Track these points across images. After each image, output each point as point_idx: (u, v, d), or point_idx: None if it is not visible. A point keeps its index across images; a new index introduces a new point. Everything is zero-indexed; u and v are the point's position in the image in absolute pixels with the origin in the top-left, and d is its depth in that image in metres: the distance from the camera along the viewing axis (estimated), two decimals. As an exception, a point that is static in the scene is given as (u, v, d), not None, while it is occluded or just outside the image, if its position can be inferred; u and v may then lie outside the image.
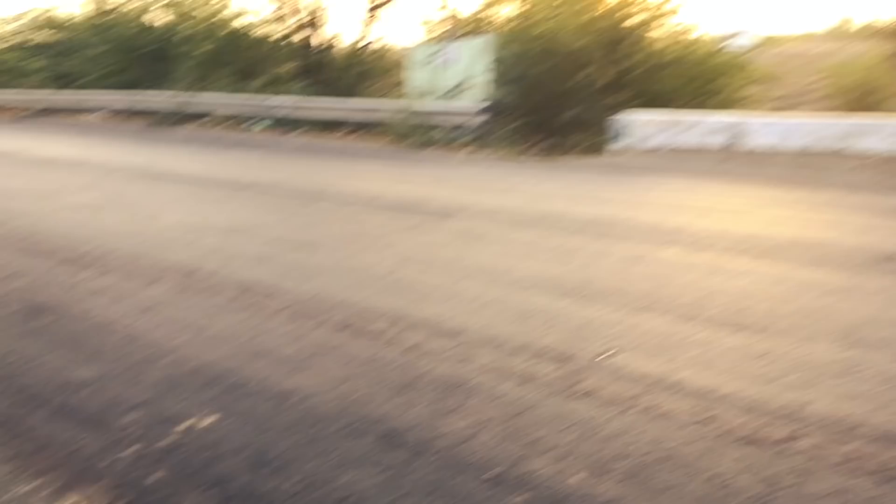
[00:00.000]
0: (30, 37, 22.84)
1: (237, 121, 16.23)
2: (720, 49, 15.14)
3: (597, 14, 14.30)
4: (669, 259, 5.22)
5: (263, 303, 4.29)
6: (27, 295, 4.47)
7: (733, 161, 10.07)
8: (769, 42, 26.12)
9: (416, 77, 14.86)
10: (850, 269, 4.90)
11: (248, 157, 12.00)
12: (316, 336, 3.79)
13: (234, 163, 11.38)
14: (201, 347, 3.65)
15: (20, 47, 22.86)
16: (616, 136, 11.59)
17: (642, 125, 11.43)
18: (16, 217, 6.75)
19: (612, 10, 14.53)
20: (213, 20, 19.57)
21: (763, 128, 10.68)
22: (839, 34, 63.73)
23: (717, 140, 10.89)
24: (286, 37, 18.83)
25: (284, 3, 18.23)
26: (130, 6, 19.91)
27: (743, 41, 19.79)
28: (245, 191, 8.47)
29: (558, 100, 13.24)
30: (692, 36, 14.83)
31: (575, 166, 10.68)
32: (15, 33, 23.16)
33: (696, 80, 13.88)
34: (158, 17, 20.08)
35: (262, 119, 15.99)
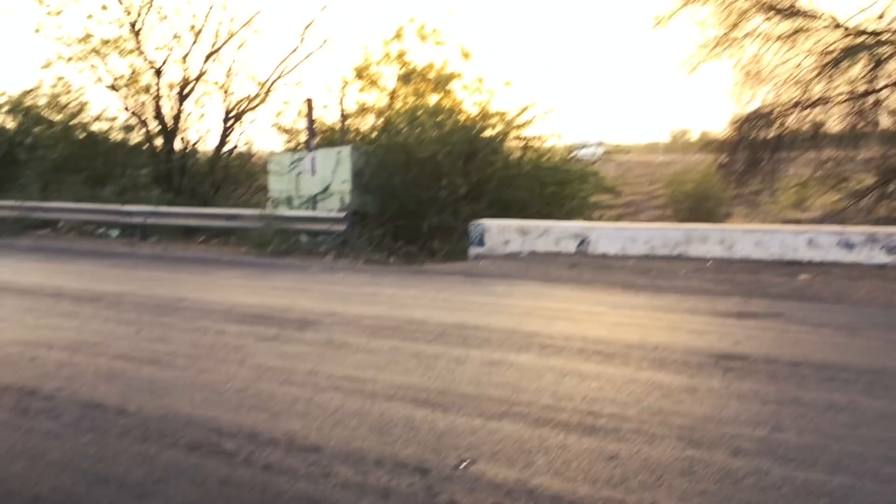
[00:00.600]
0: None
1: (90, 228, 15.60)
2: (571, 159, 16.18)
3: (455, 126, 15.01)
4: (525, 364, 5.40)
5: (110, 423, 4.08)
6: None
7: (583, 266, 10.63)
8: (616, 151, 28.06)
9: (279, 184, 14.93)
10: (689, 370, 5.23)
11: (100, 267, 11.52)
12: (166, 457, 3.63)
13: (83, 273, 10.87)
14: (39, 476, 3.42)
15: None
16: (475, 243, 12.01)
17: (499, 232, 11.92)
18: None
19: (470, 122, 15.31)
20: (69, 123, 19.03)
21: (609, 235, 11.38)
22: (678, 145, 69.47)
23: (568, 246, 11.49)
24: (146, 141, 18.50)
25: (145, 107, 17.98)
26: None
27: (592, 151, 21.26)
28: (95, 302, 8.10)
29: (419, 208, 13.63)
30: (545, 146, 15.79)
31: (436, 273, 10.92)
32: None
33: (549, 187, 14.70)
34: (7, 120, 19.30)
35: (117, 227, 15.46)
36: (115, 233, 15.38)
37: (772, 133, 15.25)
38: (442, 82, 18.77)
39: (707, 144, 18.02)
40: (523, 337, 6.25)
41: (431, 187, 13.66)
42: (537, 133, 15.29)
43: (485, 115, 15.75)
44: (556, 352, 5.75)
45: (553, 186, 14.80)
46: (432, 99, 17.76)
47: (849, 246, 9.98)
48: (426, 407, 4.40)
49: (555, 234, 11.65)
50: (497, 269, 10.89)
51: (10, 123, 19.24)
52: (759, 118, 15.15)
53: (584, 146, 18.03)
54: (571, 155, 16.51)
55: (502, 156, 15.18)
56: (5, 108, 19.09)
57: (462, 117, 15.62)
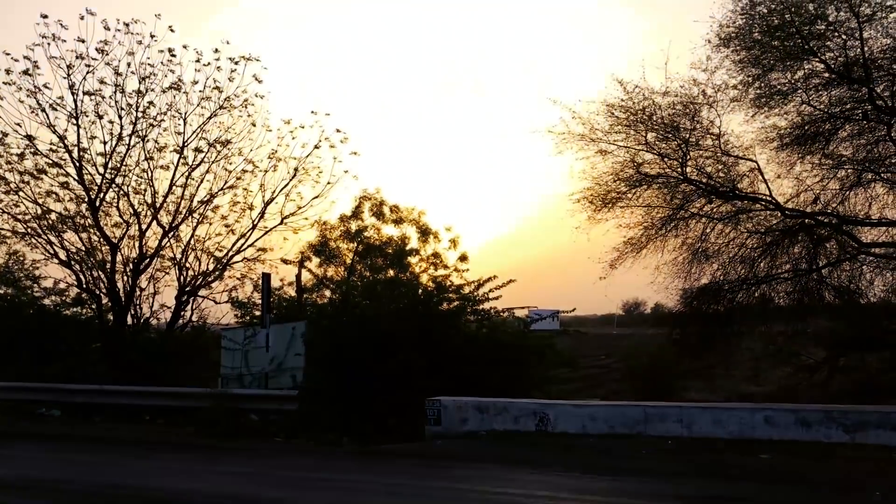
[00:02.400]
0: None
1: (29, 408, 14.91)
2: (527, 332, 16.23)
3: (412, 300, 15.09)
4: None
5: None
6: None
7: (543, 446, 10.37)
8: (571, 322, 28.42)
9: (231, 360, 14.64)
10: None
11: (37, 452, 10.93)
12: None
13: (18, 459, 10.27)
14: None
15: None
16: (432, 422, 11.70)
17: (457, 410, 11.67)
18: None
19: (427, 297, 15.41)
20: (17, 298, 18.70)
21: (569, 413, 11.23)
22: (632, 317, 70.70)
23: (527, 424, 11.27)
24: (97, 316, 18.16)
25: (98, 282, 17.79)
26: None
27: (548, 324, 21.44)
28: (26, 493, 7.58)
29: (373, 384, 13.36)
30: (502, 318, 15.86)
31: (391, 454, 10.56)
32: None
33: (506, 362, 14.61)
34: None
35: (59, 406, 14.83)
36: (56, 412, 14.72)
37: (722, 308, 15.61)
38: (399, 257, 19.11)
39: (660, 319, 18.35)
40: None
41: (387, 363, 13.49)
42: (494, 306, 15.45)
43: (442, 289, 15.91)
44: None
45: (510, 361, 14.75)
46: (390, 273, 17.99)
47: (806, 424, 9.97)
48: None
49: (513, 412, 11.45)
50: (454, 450, 10.55)
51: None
52: (708, 294, 15.56)
53: (539, 318, 18.19)
54: (529, 328, 16.59)
55: (459, 331, 15.20)
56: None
57: (419, 291, 15.76)
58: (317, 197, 18.51)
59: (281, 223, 18.52)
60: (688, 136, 14.76)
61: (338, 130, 18.23)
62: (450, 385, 13.01)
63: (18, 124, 16.26)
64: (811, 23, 13.12)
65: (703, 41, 14.25)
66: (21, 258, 18.62)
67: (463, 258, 19.51)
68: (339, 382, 13.65)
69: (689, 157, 14.89)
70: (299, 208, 18.54)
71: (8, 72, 15.93)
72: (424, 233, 20.45)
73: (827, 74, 13.55)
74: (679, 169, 14.94)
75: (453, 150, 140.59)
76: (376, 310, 14.53)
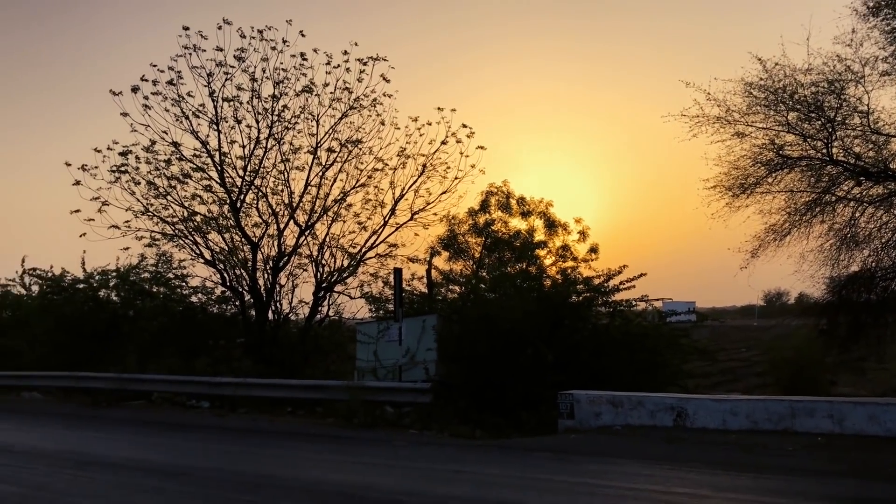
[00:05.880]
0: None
1: (182, 400, 15.88)
2: (663, 324, 15.73)
3: (541, 293, 14.96)
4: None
5: None
6: None
7: (681, 442, 10.02)
8: (710, 316, 27.37)
9: (365, 354, 15.00)
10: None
11: (189, 440, 11.58)
12: None
13: (171, 447, 10.94)
14: None
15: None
16: (564, 415, 11.57)
17: (590, 403, 11.48)
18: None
19: (556, 289, 15.23)
20: (169, 296, 19.94)
21: (708, 408, 10.81)
22: (774, 309, 67.34)
23: (664, 419, 10.94)
24: (240, 313, 19.12)
25: (240, 280, 18.71)
26: (86, 284, 20.21)
27: (685, 316, 20.73)
28: (179, 479, 8.04)
29: (504, 377, 13.37)
30: (635, 312, 15.43)
31: (524, 447, 10.50)
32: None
33: (640, 354, 14.25)
34: (112, 294, 20.35)
35: (207, 398, 15.69)
36: (205, 404, 15.59)
37: (874, 296, 14.62)
38: (527, 250, 19.02)
39: (806, 309, 17.38)
40: (619, 525, 5.80)
41: (517, 356, 13.44)
42: (626, 298, 15.06)
43: (571, 282, 15.69)
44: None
45: (644, 354, 14.36)
46: (518, 266, 17.94)
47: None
48: None
49: (649, 406, 11.15)
50: (588, 444, 10.38)
51: (115, 297, 20.28)
52: (859, 282, 14.60)
53: (674, 312, 17.64)
54: (664, 320, 16.07)
55: (590, 323, 14.95)
56: (112, 283, 20.18)
57: (547, 284, 15.60)
58: (445, 192, 18.63)
59: (411, 219, 18.80)
60: (833, 114, 13.87)
61: (464, 125, 18.29)
62: (581, 378, 12.83)
63: (165, 132, 17.29)
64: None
65: (849, 10, 13.37)
66: (170, 259, 19.85)
67: (593, 250, 19.20)
68: (471, 376, 13.74)
69: (834, 136, 14.00)
70: (428, 204, 18.74)
71: (154, 83, 16.95)
72: (552, 225, 20.27)
73: None
74: (824, 150, 14.08)
75: (579, 140, 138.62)
76: (505, 304, 14.50)
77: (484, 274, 17.89)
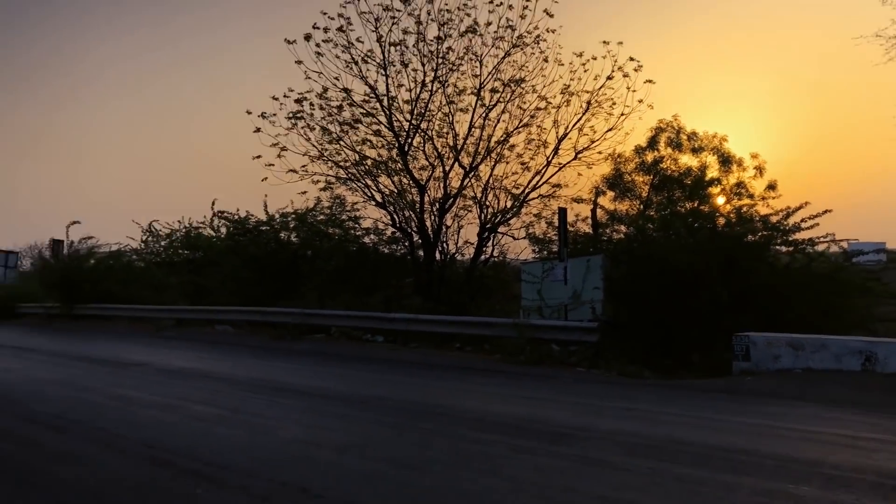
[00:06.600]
0: (174, 255, 25.05)
1: (358, 334, 16.75)
2: (849, 265, 14.69)
3: (714, 232, 14.36)
4: (807, 497, 4.80)
5: (372, 528, 4.16)
6: (145, 509, 4.54)
7: (868, 387, 9.44)
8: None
9: (530, 293, 15.12)
10: None
11: (366, 371, 12.24)
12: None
13: (350, 377, 11.61)
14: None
15: (166, 263, 25.05)
16: (739, 358, 11.19)
17: (767, 346, 11.02)
18: (143, 427, 7.02)
19: (730, 228, 14.56)
20: (343, 238, 20.93)
21: (900, 352, 10.09)
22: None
23: (850, 364, 10.33)
24: (409, 253, 19.80)
25: (409, 222, 19.31)
26: (268, 226, 21.56)
27: (873, 257, 19.28)
28: (360, 406, 8.56)
29: (676, 319, 13.04)
30: (817, 251, 14.46)
31: (695, 388, 10.28)
32: (164, 250, 25.49)
33: (823, 297, 13.43)
34: (292, 235, 21.61)
35: (381, 333, 16.45)
36: (379, 338, 16.36)
37: None
38: (698, 188, 18.28)
39: None
40: (802, 466, 5.59)
41: (689, 297, 13.06)
42: (808, 238, 14.16)
43: (746, 220, 14.94)
44: (844, 485, 5.06)
45: (828, 296, 13.51)
46: (688, 205, 17.31)
47: None
48: (693, 538, 4.02)
49: (834, 349, 10.54)
50: (765, 387, 10.00)
51: (294, 238, 21.53)
52: None
53: (861, 252, 16.38)
54: (850, 261, 14.97)
55: (767, 263, 14.22)
56: (292, 225, 21.42)
57: (721, 223, 14.95)
58: (610, 129, 18.19)
59: (575, 158, 18.57)
60: None
61: (631, 59, 17.68)
62: (757, 320, 12.30)
63: (336, 78, 17.93)
64: None
65: None
66: (343, 201, 20.78)
67: (771, 186, 18.19)
68: (639, 316, 13.52)
69: None
70: (592, 142, 18.40)
71: (325, 30, 17.55)
72: (726, 161, 19.35)
73: None
74: None
75: (755, 69, 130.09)
76: (675, 243, 14.07)
77: (652, 213, 17.41)
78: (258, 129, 18.10)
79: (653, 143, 20.09)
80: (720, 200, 18.92)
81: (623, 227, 17.04)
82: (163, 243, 25.85)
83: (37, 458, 5.89)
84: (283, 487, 4.95)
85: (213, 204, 23.70)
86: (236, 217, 22.42)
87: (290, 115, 18.21)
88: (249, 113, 18.25)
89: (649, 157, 20.01)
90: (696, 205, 17.78)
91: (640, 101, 17.80)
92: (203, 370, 11.93)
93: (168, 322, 20.99)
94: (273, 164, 18.31)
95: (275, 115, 18.20)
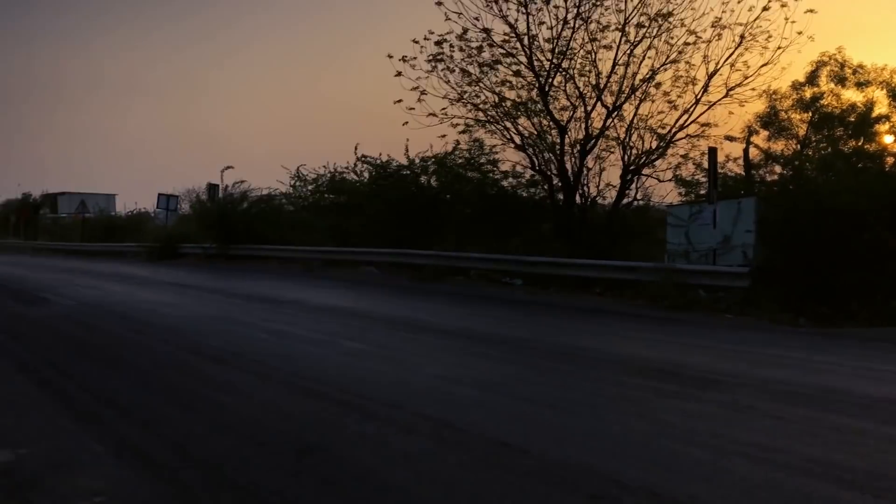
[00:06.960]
0: (320, 199, 25.94)
1: (497, 277, 16.85)
2: None
3: (881, 173, 13.34)
4: None
5: (514, 463, 4.21)
6: (301, 434, 4.78)
7: None
8: None
9: (676, 237, 14.62)
10: None
11: (505, 313, 12.33)
12: (568, 505, 3.62)
13: (491, 318, 11.73)
14: (452, 505, 3.63)
15: (313, 207, 26.02)
16: (906, 306, 10.41)
17: (938, 294, 10.19)
18: (296, 360, 7.39)
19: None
20: (482, 181, 20.93)
21: None
22: None
23: None
24: (548, 196, 19.57)
25: (549, 164, 19.04)
26: (409, 170, 21.87)
27: None
28: (500, 346, 8.64)
29: (833, 264, 12.25)
30: None
31: (855, 337, 9.69)
32: (311, 194, 26.44)
33: None
34: (431, 179, 21.82)
35: (520, 276, 16.47)
36: (518, 281, 16.38)
37: None
38: (864, 125, 16.95)
39: None
40: (980, 421, 5.17)
41: (850, 241, 12.21)
42: None
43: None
44: None
45: None
46: (852, 144, 16.11)
47: None
48: (853, 489, 3.81)
49: None
50: (936, 337, 9.29)
51: (434, 182, 21.74)
52: None
53: None
54: None
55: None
56: (431, 168, 21.63)
57: (889, 163, 13.83)
58: (765, 64, 16.94)
59: (726, 96, 17.48)
60: None
61: (789, -14, 16.36)
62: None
63: (476, 18, 17.72)
64: None
65: None
66: (482, 144, 20.71)
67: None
68: (794, 261, 12.79)
69: None
70: (745, 78, 17.22)
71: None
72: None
73: None
74: None
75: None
76: (836, 185, 13.14)
77: (810, 153, 16.32)
78: (399, 73, 18.27)
79: (812, 78, 18.69)
80: (888, 139, 17.47)
81: (778, 168, 16.06)
82: (310, 188, 26.79)
83: (201, 386, 6.32)
84: (427, 421, 5.08)
85: (355, 148, 24.26)
86: (378, 161, 22.86)
87: (430, 57, 18.24)
88: (391, 57, 18.42)
89: (808, 93, 18.66)
90: (860, 144, 16.50)
91: (800, 33, 16.47)
92: (350, 308, 12.40)
93: (316, 262, 21.91)
94: (413, 108, 18.47)
95: (415, 58, 18.28)
